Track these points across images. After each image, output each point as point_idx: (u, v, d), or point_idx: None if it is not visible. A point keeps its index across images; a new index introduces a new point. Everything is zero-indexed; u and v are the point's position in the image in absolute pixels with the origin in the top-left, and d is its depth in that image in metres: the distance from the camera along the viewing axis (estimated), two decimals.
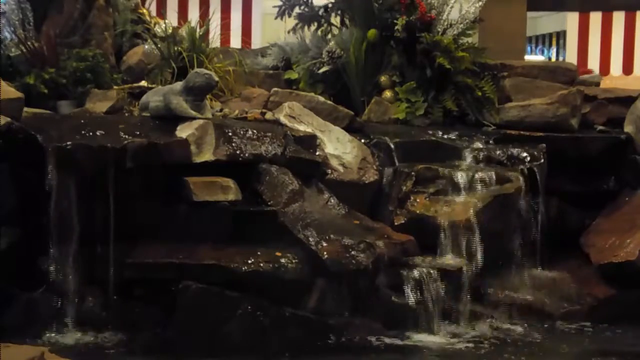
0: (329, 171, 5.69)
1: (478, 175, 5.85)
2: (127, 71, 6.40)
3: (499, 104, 6.58)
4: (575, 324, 5.62)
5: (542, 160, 6.05)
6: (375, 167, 5.85)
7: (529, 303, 5.67)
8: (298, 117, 5.89)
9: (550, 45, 15.95)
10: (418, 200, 5.75)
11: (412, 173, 5.83)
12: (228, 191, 5.21)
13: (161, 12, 8.68)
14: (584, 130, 6.57)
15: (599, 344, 5.36)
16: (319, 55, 6.88)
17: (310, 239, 5.12)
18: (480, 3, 6.92)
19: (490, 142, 6.24)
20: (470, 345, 5.21)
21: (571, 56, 11.13)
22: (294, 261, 5.05)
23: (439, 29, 6.76)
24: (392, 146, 5.98)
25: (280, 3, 7.59)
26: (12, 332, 4.47)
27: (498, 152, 6.11)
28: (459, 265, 5.53)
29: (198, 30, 6.63)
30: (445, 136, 6.24)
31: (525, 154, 6.09)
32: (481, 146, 6.18)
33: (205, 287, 4.91)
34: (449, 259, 5.57)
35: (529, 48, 15.20)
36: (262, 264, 4.99)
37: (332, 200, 5.54)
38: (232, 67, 6.68)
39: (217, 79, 5.62)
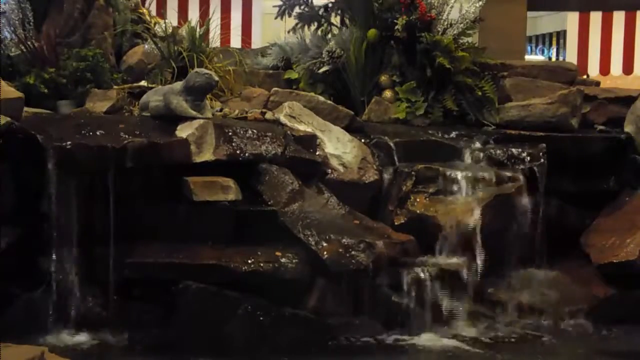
0: (329, 171, 5.69)
1: (478, 175, 5.86)
2: (127, 71, 6.40)
3: (499, 104, 6.57)
4: (575, 324, 5.62)
5: (542, 160, 6.04)
6: (375, 167, 5.85)
7: (529, 303, 5.67)
8: (298, 116, 5.89)
9: (550, 45, 15.95)
10: (418, 200, 5.75)
11: (412, 173, 5.82)
12: (228, 191, 5.21)
13: (161, 12, 8.67)
14: (584, 130, 6.57)
15: (599, 344, 5.36)
16: (319, 55, 6.87)
17: (310, 239, 5.12)
18: (480, 3, 6.92)
19: (491, 142, 6.23)
20: (470, 345, 5.21)
21: (571, 56, 11.12)
22: (294, 261, 5.06)
23: (439, 29, 6.75)
24: (392, 146, 5.98)
25: (280, 3, 7.59)
26: (12, 332, 4.46)
27: (498, 152, 6.11)
28: (459, 265, 5.53)
29: (198, 30, 6.62)
30: (446, 136, 6.24)
31: (525, 154, 6.08)
32: (481, 146, 6.17)
33: (205, 287, 4.92)
34: (449, 259, 5.57)
35: (529, 48, 15.19)
36: (262, 264, 5.00)
37: (332, 200, 5.53)
38: (232, 66, 6.68)
39: (217, 78, 5.62)
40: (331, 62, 6.78)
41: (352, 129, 6.11)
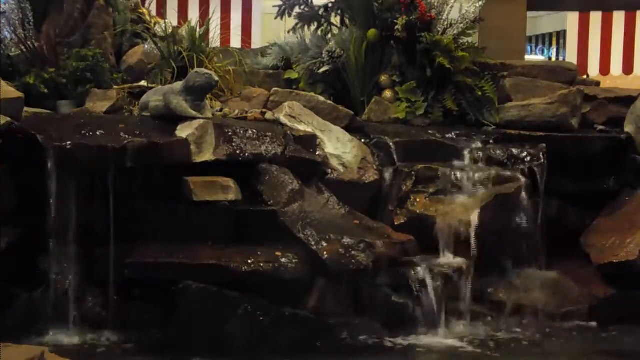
0: (329, 171, 5.69)
1: (478, 175, 5.86)
2: (127, 71, 6.40)
3: (499, 104, 6.57)
4: (575, 324, 5.62)
5: (542, 160, 6.05)
6: (375, 167, 5.85)
7: (529, 303, 5.67)
8: (298, 116, 5.89)
9: (550, 45, 15.95)
10: (418, 200, 5.75)
11: (412, 173, 5.82)
12: (228, 191, 5.21)
13: (161, 12, 8.68)
14: (584, 130, 6.57)
15: (599, 344, 5.36)
16: (319, 55, 6.87)
17: (310, 239, 5.12)
18: (481, 3, 6.92)
19: (491, 141, 6.23)
20: (470, 345, 5.21)
21: (571, 56, 11.13)
22: (294, 261, 5.06)
23: (439, 29, 6.75)
24: (392, 146, 5.98)
25: (280, 3, 7.59)
26: (12, 332, 4.47)
27: (498, 152, 6.11)
28: (459, 265, 5.53)
29: (198, 29, 6.62)
30: (446, 136, 6.24)
31: (525, 154, 6.08)
32: (481, 146, 6.17)
33: (205, 287, 4.91)
34: (449, 259, 5.57)
35: (529, 48, 15.19)
36: (262, 264, 5.00)
37: (332, 200, 5.53)
38: (232, 66, 6.68)
39: (217, 78, 5.61)
40: (331, 62, 6.78)
41: (352, 129, 6.11)
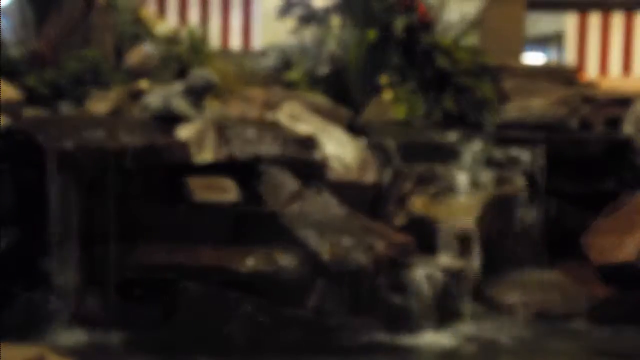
0: (329, 171, 5.69)
1: (478, 175, 5.86)
2: (127, 71, 6.40)
3: (498, 105, 6.58)
4: (575, 324, 5.63)
5: (542, 161, 6.05)
6: (375, 167, 5.85)
7: (528, 303, 5.67)
8: (298, 117, 5.90)
9: (549, 45, 15.95)
10: (418, 200, 5.76)
11: (412, 173, 5.83)
12: (228, 191, 5.21)
13: (161, 13, 8.68)
14: (583, 130, 6.58)
15: (599, 344, 5.36)
16: (319, 55, 6.88)
17: (310, 239, 5.12)
18: (480, 4, 6.92)
19: (490, 143, 6.23)
20: (470, 345, 5.21)
21: (570, 57, 11.14)
22: (294, 261, 5.06)
23: (439, 30, 6.76)
24: (392, 146, 5.98)
25: (280, 3, 7.60)
26: (12, 332, 4.47)
27: (498, 153, 6.11)
28: (459, 265, 5.53)
29: (198, 30, 6.63)
30: (445, 137, 6.24)
31: (524, 155, 6.09)
32: (481, 147, 6.18)
33: (205, 288, 4.92)
34: (449, 260, 5.57)
35: (528, 49, 15.18)
36: (262, 265, 5.00)
37: (332, 201, 5.53)
38: (232, 67, 6.68)
39: (217, 79, 5.62)
40: (331, 63, 6.79)
41: (352, 129, 6.12)
